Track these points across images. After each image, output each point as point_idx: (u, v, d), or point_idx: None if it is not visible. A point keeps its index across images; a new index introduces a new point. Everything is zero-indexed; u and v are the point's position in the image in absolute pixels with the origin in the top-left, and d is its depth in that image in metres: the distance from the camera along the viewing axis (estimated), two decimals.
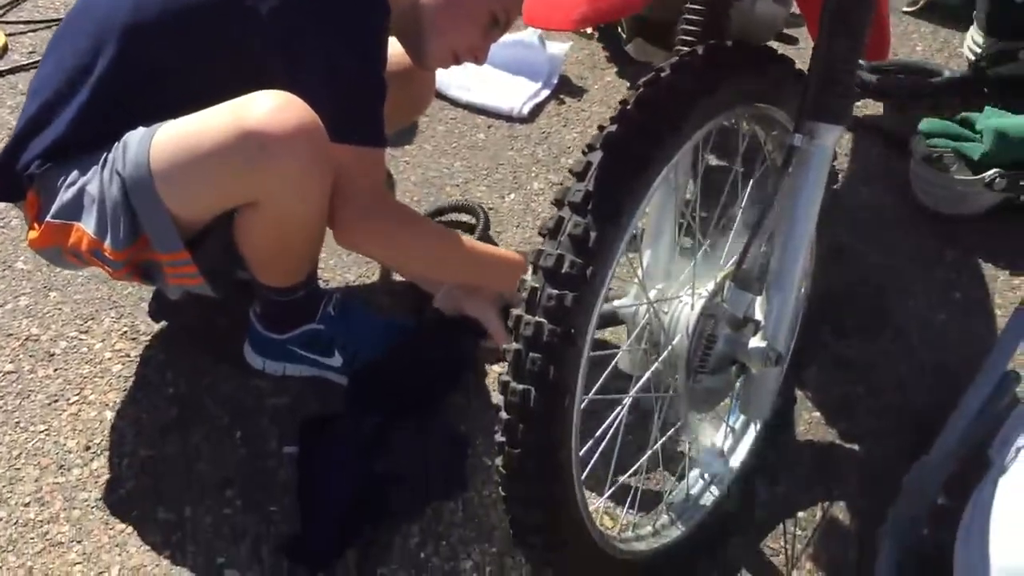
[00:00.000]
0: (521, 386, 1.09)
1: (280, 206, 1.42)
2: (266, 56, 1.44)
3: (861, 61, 2.29)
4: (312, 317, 1.70)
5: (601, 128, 1.13)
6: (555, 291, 1.07)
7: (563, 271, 1.07)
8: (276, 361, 1.73)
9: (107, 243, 1.43)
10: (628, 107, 1.12)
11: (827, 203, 1.55)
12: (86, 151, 1.45)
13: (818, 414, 1.74)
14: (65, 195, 1.45)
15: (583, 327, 1.09)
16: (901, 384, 1.78)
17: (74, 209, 1.46)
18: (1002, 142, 2.04)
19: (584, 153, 1.12)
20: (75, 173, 1.46)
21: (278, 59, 1.44)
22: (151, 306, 1.85)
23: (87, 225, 1.44)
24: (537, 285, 1.08)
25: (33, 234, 1.53)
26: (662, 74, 1.14)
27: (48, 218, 1.48)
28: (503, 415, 1.12)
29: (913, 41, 2.70)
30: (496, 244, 2.00)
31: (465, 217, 2.06)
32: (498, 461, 1.16)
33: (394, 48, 1.59)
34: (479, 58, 1.65)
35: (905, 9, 2.78)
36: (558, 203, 1.10)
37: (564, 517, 1.19)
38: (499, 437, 1.14)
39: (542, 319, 1.08)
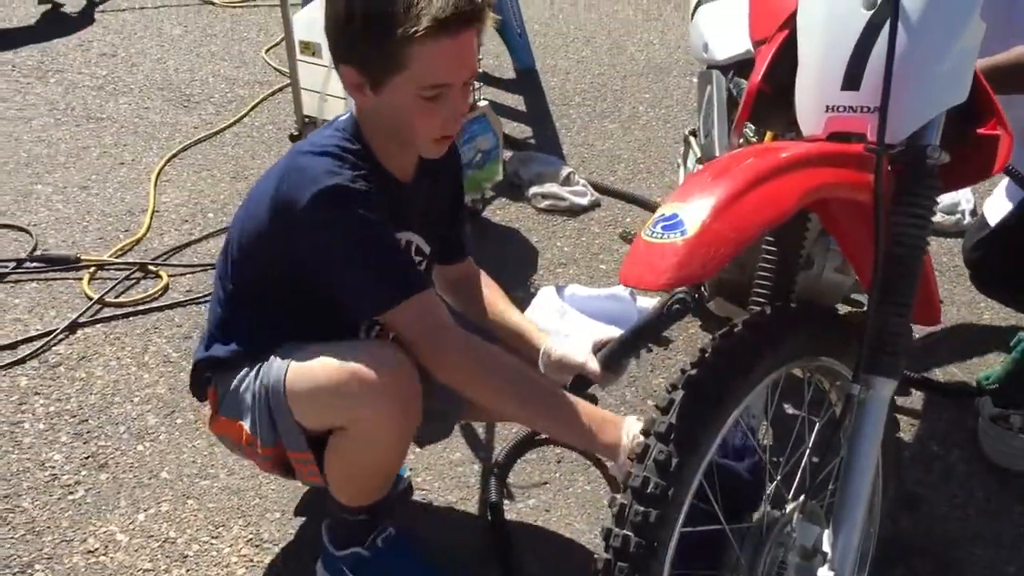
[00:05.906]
0: None
1: (364, 436, 1.64)
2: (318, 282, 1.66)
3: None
4: (361, 542, 1.85)
5: (683, 371, 1.35)
6: (641, 508, 1.25)
7: (648, 491, 1.26)
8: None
9: (258, 440, 1.72)
10: (706, 354, 1.35)
11: (891, 450, 1.73)
12: (250, 360, 1.74)
13: None
14: (235, 397, 1.75)
15: (665, 541, 1.26)
16: None
17: (240, 409, 1.74)
18: None
19: (668, 392, 1.33)
20: (240, 378, 1.74)
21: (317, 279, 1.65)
22: None
23: (246, 423, 1.73)
24: (626, 502, 1.27)
25: (213, 423, 1.84)
26: (735, 329, 1.37)
27: (221, 413, 1.78)
28: None
29: (980, 310, 2.90)
30: None
31: None
32: None
33: None
34: (453, 126, 1.67)
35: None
36: (645, 433, 1.30)
37: None
38: None
39: (629, 532, 1.25)
